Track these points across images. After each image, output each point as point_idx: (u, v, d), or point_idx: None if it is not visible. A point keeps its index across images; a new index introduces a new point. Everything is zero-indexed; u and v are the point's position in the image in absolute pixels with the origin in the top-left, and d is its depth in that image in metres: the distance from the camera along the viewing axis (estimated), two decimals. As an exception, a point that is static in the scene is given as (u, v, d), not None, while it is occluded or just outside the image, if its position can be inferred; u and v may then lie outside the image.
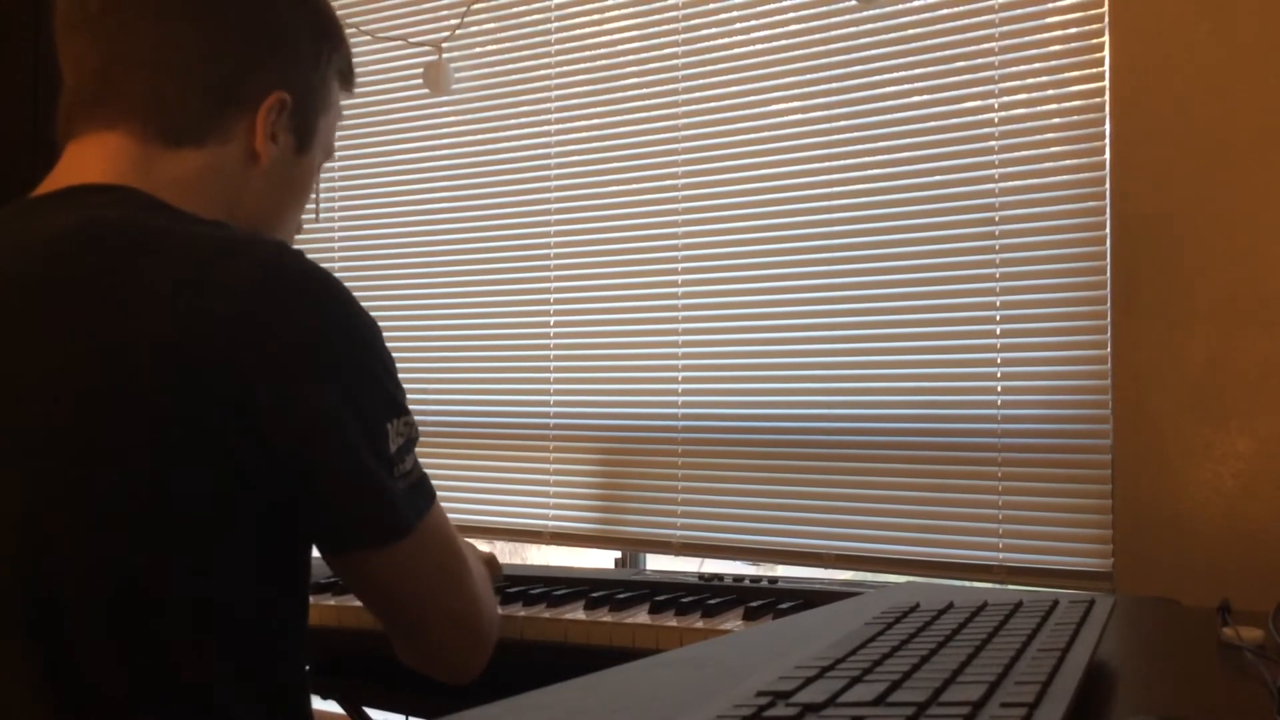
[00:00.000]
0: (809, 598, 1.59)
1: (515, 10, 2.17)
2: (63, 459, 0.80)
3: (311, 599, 1.66)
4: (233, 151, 0.96)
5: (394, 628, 0.96)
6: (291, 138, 1.00)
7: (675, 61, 2.00)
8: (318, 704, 1.38)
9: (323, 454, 0.84)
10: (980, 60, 1.74)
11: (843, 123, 1.85)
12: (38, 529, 0.80)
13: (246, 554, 0.85)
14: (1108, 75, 1.63)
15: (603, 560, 2.20)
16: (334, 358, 0.85)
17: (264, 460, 0.82)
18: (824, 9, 1.86)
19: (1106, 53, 1.64)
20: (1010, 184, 1.71)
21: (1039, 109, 1.70)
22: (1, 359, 0.82)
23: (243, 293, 0.82)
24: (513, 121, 2.17)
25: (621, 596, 1.61)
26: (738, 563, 2.02)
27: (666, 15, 2.01)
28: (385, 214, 2.32)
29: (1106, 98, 1.63)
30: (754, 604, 1.56)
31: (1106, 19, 1.64)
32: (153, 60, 0.93)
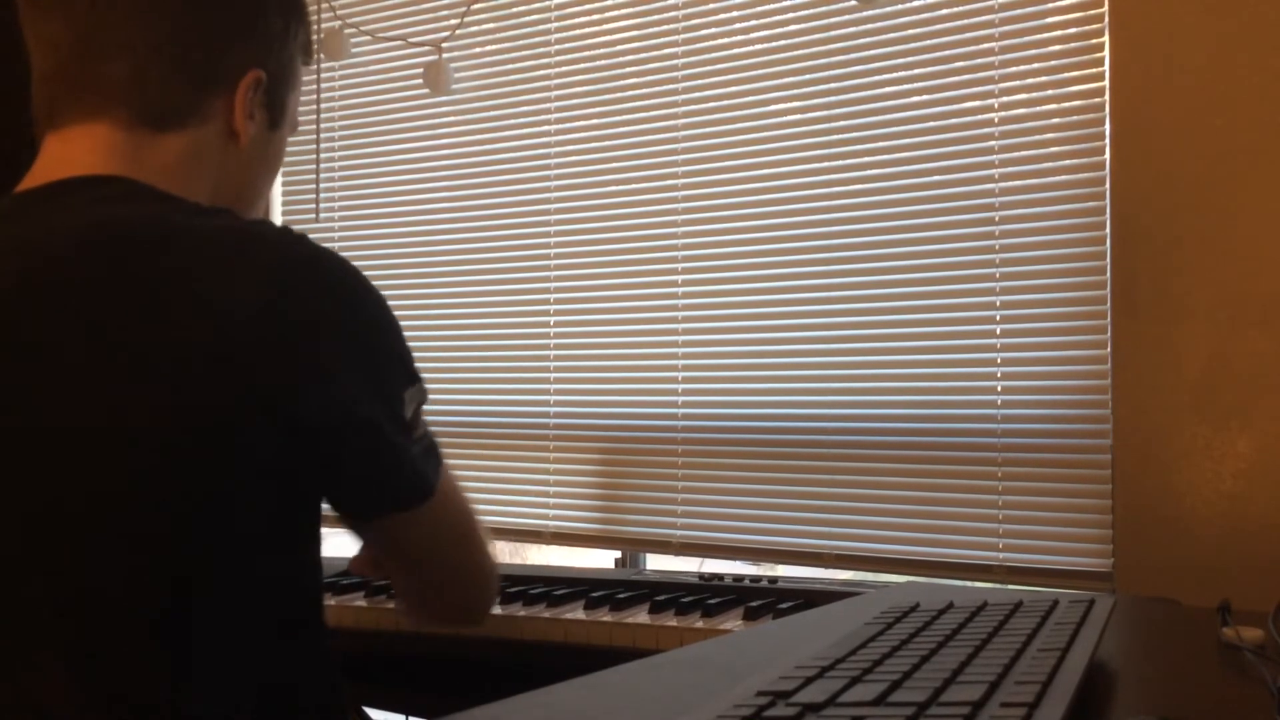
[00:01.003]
0: (809, 598, 1.59)
1: (515, 10, 2.17)
2: (85, 460, 0.80)
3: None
4: (212, 131, 0.96)
5: (416, 583, 1.02)
6: (265, 114, 1.01)
7: (675, 61, 2.00)
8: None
9: (351, 433, 0.87)
10: (980, 60, 1.74)
11: (843, 123, 1.85)
12: (63, 531, 0.80)
13: (272, 545, 0.86)
14: (1108, 75, 1.63)
15: (603, 560, 2.20)
16: (355, 339, 0.87)
17: (294, 447, 0.84)
18: (824, 9, 1.86)
19: (1106, 53, 1.64)
20: (1010, 184, 1.71)
21: (1039, 109, 1.70)
22: (23, 360, 0.82)
23: (261, 285, 0.83)
24: (513, 121, 2.17)
25: (621, 596, 1.61)
26: (738, 563, 2.02)
27: (666, 15, 2.01)
28: (385, 214, 2.31)
29: (1106, 98, 1.63)
30: (754, 604, 1.56)
31: (1106, 19, 1.64)
32: (130, 42, 0.92)
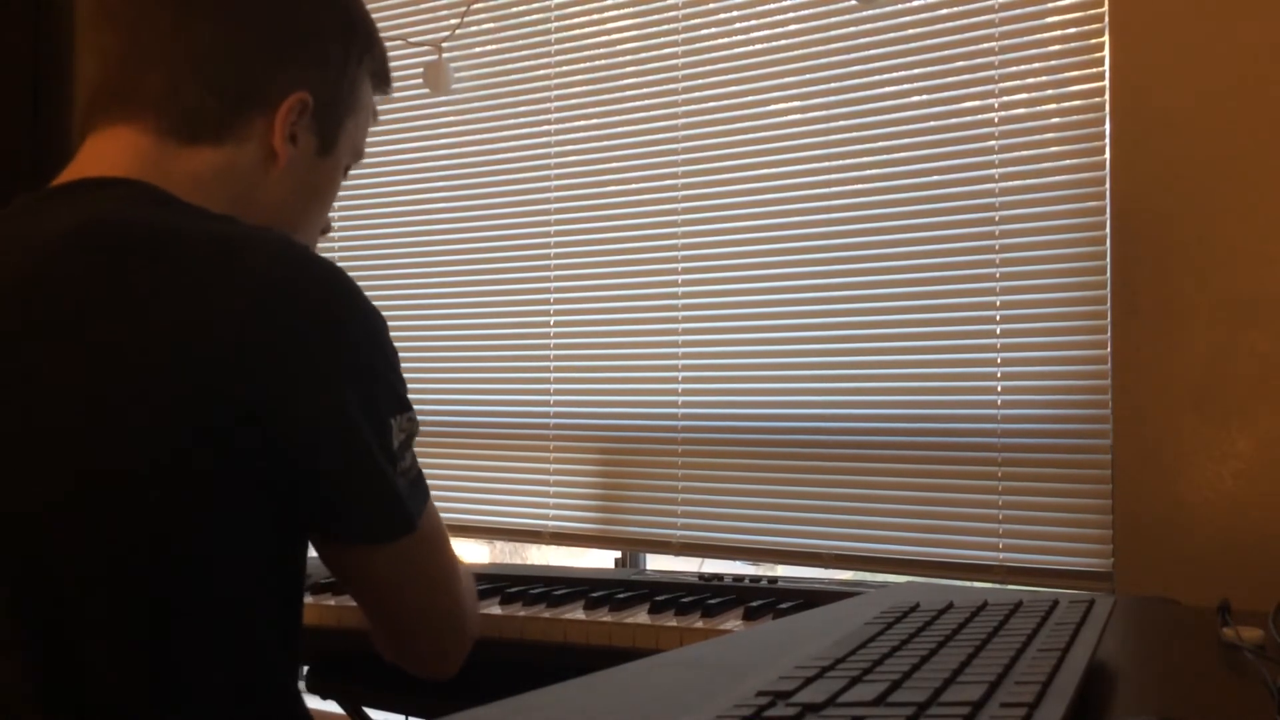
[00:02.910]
0: (809, 598, 1.59)
1: (515, 10, 2.17)
2: (69, 460, 0.80)
3: (311, 599, 1.67)
4: (251, 151, 0.96)
5: (386, 623, 0.97)
6: (314, 139, 0.99)
7: (675, 61, 2.00)
8: (318, 704, 1.38)
9: (335, 452, 0.84)
10: (980, 60, 1.74)
11: (843, 123, 1.85)
12: (44, 530, 0.80)
13: (250, 556, 0.85)
14: (1108, 75, 1.63)
15: (603, 560, 2.20)
16: (345, 356, 0.85)
17: (274, 459, 0.83)
18: (824, 9, 1.86)
19: (1106, 53, 1.63)
20: (1010, 184, 1.71)
21: (1039, 109, 1.70)
22: (9, 359, 0.82)
23: (251, 292, 0.82)
24: (513, 121, 2.17)
25: (621, 596, 1.61)
26: (738, 563, 2.02)
27: (666, 15, 2.01)
28: (385, 214, 2.32)
29: (1106, 98, 1.63)
30: (754, 604, 1.56)
31: (1106, 19, 1.64)
32: (172, 56, 0.94)
